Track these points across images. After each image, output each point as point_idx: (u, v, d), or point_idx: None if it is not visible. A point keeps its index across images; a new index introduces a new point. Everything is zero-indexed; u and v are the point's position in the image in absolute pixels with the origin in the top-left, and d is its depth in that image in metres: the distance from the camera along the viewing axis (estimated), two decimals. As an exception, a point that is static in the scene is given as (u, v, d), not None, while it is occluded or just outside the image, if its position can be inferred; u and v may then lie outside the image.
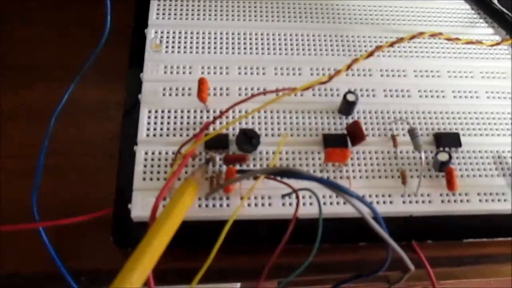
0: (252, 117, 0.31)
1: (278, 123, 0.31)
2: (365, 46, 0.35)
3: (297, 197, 0.27)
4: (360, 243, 0.29)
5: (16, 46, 0.37)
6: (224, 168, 0.29)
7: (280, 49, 0.34)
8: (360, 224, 0.29)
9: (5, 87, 0.34)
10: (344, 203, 0.29)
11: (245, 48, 0.34)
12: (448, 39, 0.29)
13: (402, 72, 0.34)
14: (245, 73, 0.33)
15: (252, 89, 0.32)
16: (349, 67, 0.25)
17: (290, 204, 0.29)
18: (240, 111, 0.31)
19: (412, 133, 0.30)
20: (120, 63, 0.34)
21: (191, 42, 0.34)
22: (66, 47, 0.37)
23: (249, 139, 0.30)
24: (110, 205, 0.29)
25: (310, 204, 0.29)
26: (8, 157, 0.32)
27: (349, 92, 0.31)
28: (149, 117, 0.31)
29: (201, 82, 0.29)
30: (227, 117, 0.31)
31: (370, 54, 0.26)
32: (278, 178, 0.28)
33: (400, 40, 0.29)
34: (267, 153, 0.30)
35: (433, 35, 0.28)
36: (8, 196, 0.30)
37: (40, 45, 0.37)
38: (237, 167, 0.29)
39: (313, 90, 0.33)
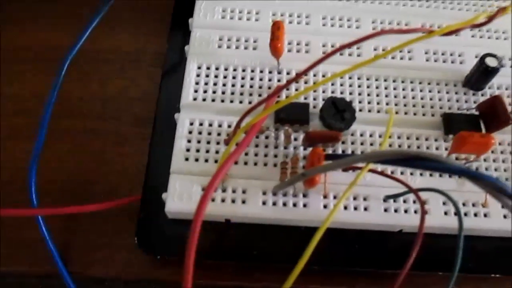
0: (341, 85, 0.22)
1: (377, 95, 0.22)
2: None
3: (420, 200, 0.17)
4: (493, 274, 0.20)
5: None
6: (301, 150, 0.20)
7: (380, -5, 0.25)
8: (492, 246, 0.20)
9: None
10: (485, 215, 0.19)
11: (332, -9, 0.25)
12: None
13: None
14: (332, 25, 0.24)
15: (341, 46, 0.23)
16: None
17: (396, 211, 0.20)
18: (324, 75, 0.23)
19: None
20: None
21: (259, -20, 0.25)
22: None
23: (340, 113, 0.21)
24: (136, 191, 0.21)
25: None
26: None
27: (489, 55, 0.21)
28: (198, 75, 0.22)
29: (277, 27, 0.21)
30: (306, 82, 0.22)
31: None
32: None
33: None
34: (362, 135, 0.21)
35: None
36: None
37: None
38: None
39: (427, 54, 0.23)
